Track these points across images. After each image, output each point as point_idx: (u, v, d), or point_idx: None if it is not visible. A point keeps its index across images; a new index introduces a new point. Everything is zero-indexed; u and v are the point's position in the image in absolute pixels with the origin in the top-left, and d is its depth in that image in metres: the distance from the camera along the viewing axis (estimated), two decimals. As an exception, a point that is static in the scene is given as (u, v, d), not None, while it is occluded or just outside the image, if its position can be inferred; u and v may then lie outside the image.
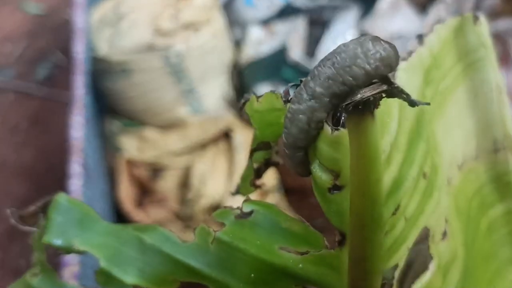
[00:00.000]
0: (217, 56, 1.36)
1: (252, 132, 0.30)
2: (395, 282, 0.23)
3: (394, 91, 0.18)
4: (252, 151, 0.31)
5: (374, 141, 0.19)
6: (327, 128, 0.18)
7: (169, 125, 1.42)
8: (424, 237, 0.25)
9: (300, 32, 1.34)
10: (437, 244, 0.26)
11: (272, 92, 0.24)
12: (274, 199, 1.35)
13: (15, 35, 2.10)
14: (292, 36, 1.32)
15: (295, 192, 1.63)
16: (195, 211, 1.29)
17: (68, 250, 0.27)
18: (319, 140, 0.19)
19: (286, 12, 1.40)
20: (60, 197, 0.29)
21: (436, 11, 1.34)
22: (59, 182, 1.58)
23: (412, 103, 0.18)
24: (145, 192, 1.47)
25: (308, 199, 1.61)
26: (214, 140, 1.39)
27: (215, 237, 0.23)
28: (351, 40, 0.18)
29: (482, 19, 0.32)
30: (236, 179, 1.32)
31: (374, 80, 0.18)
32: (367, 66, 0.17)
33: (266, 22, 1.41)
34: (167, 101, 1.37)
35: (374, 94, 0.18)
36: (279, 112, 0.24)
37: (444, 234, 0.27)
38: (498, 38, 1.59)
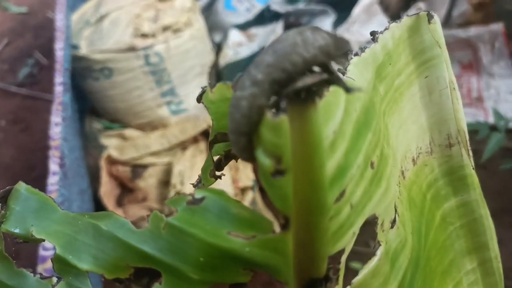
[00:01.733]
0: (197, 57, 1.36)
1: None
2: (341, 266, 0.23)
3: (332, 79, 0.18)
4: (211, 143, 0.31)
5: (316, 128, 0.20)
6: (269, 114, 0.19)
7: (150, 125, 1.41)
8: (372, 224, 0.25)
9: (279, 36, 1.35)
10: (386, 232, 0.27)
11: (224, 83, 0.24)
12: (250, 197, 1.35)
13: (-3, 35, 2.07)
14: (271, 39, 1.32)
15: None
16: (174, 210, 1.29)
17: (26, 238, 0.27)
18: (261, 125, 0.19)
19: (266, 16, 1.41)
20: (20, 186, 0.29)
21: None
22: (38, 180, 1.56)
23: (347, 90, 0.18)
24: (126, 191, 1.46)
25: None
26: (193, 140, 1.39)
27: (167, 223, 0.23)
28: (292, 30, 0.19)
29: (436, 18, 0.33)
30: (215, 178, 1.32)
31: (315, 69, 0.19)
32: (306, 54, 0.18)
33: (245, 25, 1.42)
34: (147, 101, 1.36)
35: (313, 81, 0.18)
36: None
37: (394, 222, 0.28)
38: (470, 44, 1.62)
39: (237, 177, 1.37)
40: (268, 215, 1.49)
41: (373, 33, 0.31)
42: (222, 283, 0.22)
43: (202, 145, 1.36)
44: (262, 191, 1.39)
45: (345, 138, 0.22)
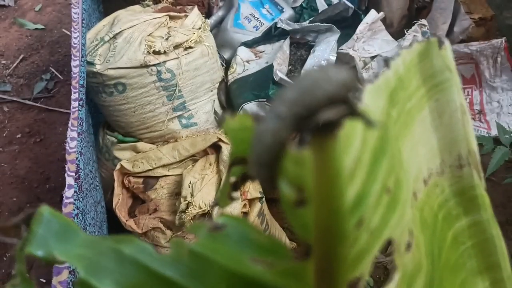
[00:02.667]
0: (207, 73, 1.37)
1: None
2: (360, 292, 0.23)
3: (354, 113, 0.18)
4: (230, 166, 0.31)
5: (336, 159, 0.20)
6: (292, 147, 0.19)
7: (161, 138, 1.42)
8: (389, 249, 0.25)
9: (286, 53, 1.36)
10: (401, 256, 0.27)
11: (245, 112, 0.24)
12: (258, 209, 1.35)
13: (12, 50, 2.10)
14: (278, 56, 1.33)
15: (278, 203, 1.63)
16: (184, 221, 1.29)
17: (49, 261, 0.27)
18: (284, 157, 0.19)
19: (273, 34, 1.41)
20: (43, 210, 0.29)
21: (413, 34, 1.37)
22: (53, 192, 1.56)
23: (370, 124, 0.18)
24: (137, 202, 1.46)
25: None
26: (203, 153, 1.39)
27: (189, 249, 0.23)
28: (315, 68, 0.19)
29: (447, 43, 0.33)
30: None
31: (335, 103, 0.19)
32: (328, 89, 0.18)
33: (253, 43, 1.43)
34: (159, 114, 1.37)
35: (335, 115, 0.18)
36: (251, 131, 0.24)
37: (409, 246, 0.27)
38: (472, 58, 1.62)
39: (244, 190, 1.36)
40: (276, 226, 1.48)
41: (386, 60, 0.31)
42: (243, 309, 0.22)
43: (212, 158, 1.36)
44: (271, 204, 1.38)
45: (363, 166, 0.22)
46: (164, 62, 1.30)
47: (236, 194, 0.32)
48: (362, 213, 0.22)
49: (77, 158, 0.96)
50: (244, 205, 1.33)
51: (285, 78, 1.26)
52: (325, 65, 0.18)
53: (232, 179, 0.32)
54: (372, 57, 1.38)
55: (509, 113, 1.52)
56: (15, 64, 1.98)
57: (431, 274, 0.31)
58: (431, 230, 0.34)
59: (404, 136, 0.32)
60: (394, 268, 0.26)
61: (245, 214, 1.37)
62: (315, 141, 0.19)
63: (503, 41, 1.50)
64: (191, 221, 1.30)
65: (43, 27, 2.15)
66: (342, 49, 1.35)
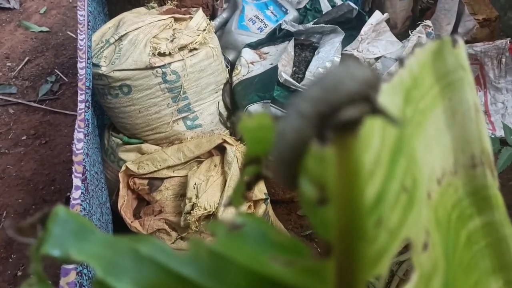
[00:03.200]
0: (212, 75, 1.37)
1: (244, 146, 0.30)
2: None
3: (377, 111, 0.18)
4: (244, 166, 0.31)
5: (357, 158, 0.20)
6: (314, 145, 0.18)
7: (166, 140, 1.42)
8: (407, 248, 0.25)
9: (291, 54, 1.36)
10: (418, 255, 0.26)
11: (263, 111, 0.24)
12: (263, 210, 1.34)
13: (17, 52, 2.10)
14: (282, 57, 1.33)
15: (285, 204, 1.63)
16: (189, 222, 1.29)
17: (66, 260, 0.27)
18: (306, 156, 0.19)
19: (277, 35, 1.41)
20: (59, 209, 0.29)
21: (417, 35, 1.37)
22: (58, 194, 1.56)
23: (393, 122, 0.18)
24: (142, 203, 1.46)
25: (296, 211, 1.61)
26: (209, 154, 1.39)
27: (208, 248, 0.22)
28: (337, 65, 0.19)
29: (461, 42, 0.33)
30: (230, 191, 1.31)
31: (358, 101, 0.19)
32: (351, 87, 0.18)
33: (258, 44, 1.43)
34: (164, 116, 1.37)
35: (357, 114, 0.18)
36: (268, 131, 0.24)
37: (425, 246, 0.27)
38: (476, 59, 1.62)
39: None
40: (280, 228, 1.48)
41: (401, 60, 0.31)
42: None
43: (217, 159, 1.36)
44: (277, 205, 1.38)
45: (382, 165, 0.22)
46: (169, 64, 1.30)
47: (250, 193, 0.32)
48: (381, 212, 0.22)
49: (83, 159, 0.96)
50: (249, 206, 1.33)
51: (290, 79, 1.26)
52: (348, 63, 0.18)
53: (245, 178, 0.32)
54: (377, 58, 1.38)
55: (514, 114, 1.52)
56: (20, 67, 1.99)
57: (446, 275, 0.31)
58: (445, 230, 0.34)
59: (418, 135, 0.32)
60: (412, 267, 0.25)
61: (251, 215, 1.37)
62: (337, 139, 0.19)
63: (508, 41, 1.50)
64: (196, 222, 1.30)
65: (48, 29, 2.15)
66: (346, 50, 1.35)
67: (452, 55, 0.33)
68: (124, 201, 1.43)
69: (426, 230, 0.28)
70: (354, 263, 0.21)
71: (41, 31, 2.15)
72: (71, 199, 0.87)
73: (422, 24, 1.39)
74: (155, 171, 1.42)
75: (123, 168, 1.39)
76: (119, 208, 1.40)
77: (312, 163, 0.19)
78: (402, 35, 1.56)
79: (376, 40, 1.34)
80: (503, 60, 1.58)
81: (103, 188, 1.33)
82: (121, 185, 1.41)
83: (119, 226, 1.34)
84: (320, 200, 0.19)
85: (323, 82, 0.18)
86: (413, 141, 0.30)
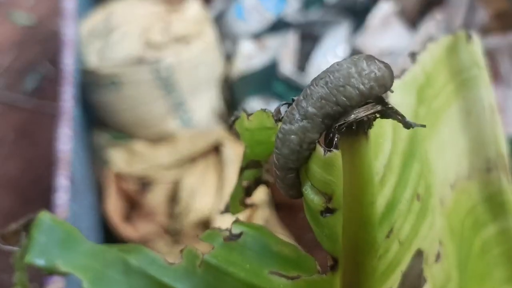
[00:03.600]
0: (208, 70, 1.36)
1: (242, 146, 0.29)
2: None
3: (389, 112, 0.18)
4: (242, 170, 0.30)
5: (368, 163, 0.19)
6: (320, 149, 0.18)
7: (159, 138, 1.41)
8: (418, 260, 0.24)
9: (291, 47, 1.35)
10: (430, 267, 0.26)
11: (263, 110, 0.23)
12: (264, 214, 1.34)
13: (4, 46, 2.09)
14: (283, 50, 1.32)
15: (285, 207, 1.62)
16: (183, 226, 1.28)
17: (51, 271, 0.26)
18: (311, 161, 0.18)
19: (277, 27, 1.40)
20: (44, 216, 0.28)
21: (426, 27, 1.36)
22: (45, 195, 1.55)
23: (407, 125, 0.17)
24: (134, 206, 1.45)
25: (298, 215, 1.60)
26: (203, 154, 1.38)
27: (203, 260, 0.22)
28: (345, 59, 0.18)
29: (475, 37, 0.32)
30: (226, 193, 1.31)
31: (368, 100, 0.18)
32: (361, 86, 0.17)
33: (257, 36, 1.42)
34: (157, 114, 1.36)
35: (368, 114, 0.18)
36: (270, 131, 0.24)
37: (438, 256, 0.27)
38: (488, 54, 1.61)
39: (248, 192, 1.35)
40: (281, 232, 1.47)
41: (412, 55, 0.30)
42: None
43: (212, 159, 1.36)
44: (278, 209, 1.37)
45: (393, 171, 0.22)
46: (163, 58, 1.29)
47: (249, 200, 0.31)
48: (393, 222, 0.21)
49: (72, 158, 0.95)
50: (251, 211, 1.32)
51: (291, 74, 1.25)
52: (357, 57, 0.18)
53: (244, 183, 0.32)
54: (384, 52, 1.38)
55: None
56: (5, 61, 1.98)
57: (459, 285, 0.31)
58: (458, 239, 0.33)
59: (431, 137, 0.31)
60: (424, 279, 0.25)
61: (249, 218, 1.36)
62: (346, 143, 0.18)
63: (522, 36, 1.49)
64: (190, 224, 1.29)
65: (35, 23, 2.14)
66: (350, 42, 1.34)
67: (467, 52, 0.32)
68: (113, 202, 1.42)
69: (439, 240, 0.27)
70: (363, 277, 0.20)
71: (28, 25, 2.13)
72: (59, 200, 0.86)
73: (431, 16, 1.39)
74: (146, 170, 1.41)
75: (113, 167, 1.38)
76: (107, 209, 1.39)
77: (318, 170, 0.18)
78: (410, 27, 1.55)
79: (382, 33, 1.34)
80: (516, 54, 1.58)
81: (92, 189, 1.33)
82: (110, 186, 1.40)
83: (109, 228, 1.33)
84: (326, 210, 0.19)
85: (330, 80, 0.17)
86: (426, 143, 0.30)
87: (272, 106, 1.30)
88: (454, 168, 0.35)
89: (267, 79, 1.32)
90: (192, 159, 1.37)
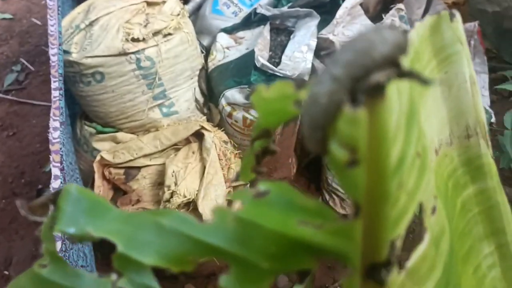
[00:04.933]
0: (187, 61, 1.36)
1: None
2: (398, 251, 0.24)
3: (407, 73, 0.19)
4: (254, 140, 0.31)
5: (385, 120, 0.21)
6: (347, 108, 0.19)
7: (142, 128, 1.40)
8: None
9: (267, 38, 1.36)
10: (429, 218, 0.28)
11: (285, 80, 0.24)
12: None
13: (-21, 41, 2.02)
14: (259, 42, 1.33)
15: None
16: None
17: (82, 238, 0.27)
18: (338, 119, 0.19)
19: (252, 20, 1.41)
20: (70, 187, 0.28)
21: (390, 17, 1.39)
22: (28, 186, 1.52)
23: (426, 82, 0.19)
24: (119, 193, 1.44)
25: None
26: (186, 142, 1.38)
27: (235, 215, 0.23)
28: (368, 29, 0.19)
29: (458, 16, 0.34)
30: (209, 177, 1.31)
31: (388, 64, 0.20)
32: (384, 51, 0.19)
33: (233, 29, 1.42)
34: (139, 104, 1.35)
35: (389, 76, 0.19)
36: (287, 100, 0.25)
37: (434, 210, 0.29)
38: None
39: (229, 177, 1.37)
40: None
41: (404, 32, 0.32)
42: (290, 271, 0.23)
43: (195, 146, 1.36)
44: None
45: (401, 130, 0.23)
46: (143, 49, 1.28)
47: (261, 168, 0.33)
48: (402, 175, 0.23)
49: (60, 148, 0.94)
50: (229, 192, 1.33)
51: (267, 64, 1.26)
52: (380, 26, 0.19)
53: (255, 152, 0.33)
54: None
55: (483, 95, 1.58)
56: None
57: (451, 238, 0.33)
58: (443, 198, 0.36)
59: (420, 107, 0.33)
60: (424, 229, 0.27)
61: (230, 201, 1.38)
62: (368, 102, 0.19)
63: (476, 24, 1.55)
64: (175, 208, 1.30)
65: (11, 16, 2.07)
66: (322, 34, 1.36)
67: (450, 29, 0.34)
68: (100, 191, 1.41)
69: (434, 195, 0.29)
70: (379, 224, 0.22)
71: (4, 18, 2.06)
72: (51, 190, 0.85)
73: (394, 7, 1.42)
74: (131, 160, 1.40)
75: (98, 158, 1.37)
76: (95, 198, 1.37)
77: (344, 126, 0.19)
78: (375, 19, 1.59)
79: (351, 24, 1.36)
80: (472, 42, 1.63)
81: (78, 179, 1.31)
82: (96, 175, 1.38)
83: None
84: (351, 162, 0.20)
85: (355, 46, 0.19)
86: (420, 110, 0.32)
87: (249, 95, 1.31)
88: (438, 135, 0.37)
89: (244, 69, 1.33)
90: (175, 147, 1.37)
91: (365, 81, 0.19)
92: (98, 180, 1.40)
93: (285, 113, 0.26)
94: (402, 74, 0.19)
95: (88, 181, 1.41)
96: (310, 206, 0.22)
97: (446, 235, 0.30)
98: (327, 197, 1.52)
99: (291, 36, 1.38)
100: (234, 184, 1.35)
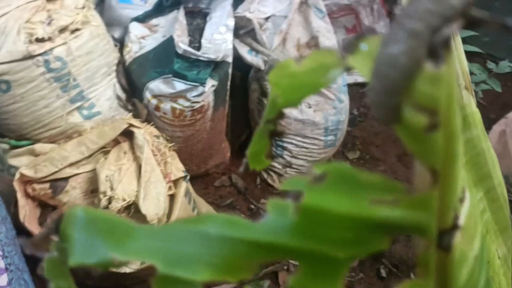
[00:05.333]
0: (101, 57, 1.26)
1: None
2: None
3: (483, 20, 0.18)
4: (268, 122, 0.28)
5: (454, 74, 0.19)
6: (427, 65, 0.17)
7: (63, 135, 1.28)
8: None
9: (183, 23, 1.30)
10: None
11: (322, 49, 0.22)
12: (187, 187, 1.31)
13: None
14: (176, 27, 1.27)
15: (200, 178, 1.61)
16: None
17: (107, 266, 0.22)
18: (418, 79, 0.17)
19: (165, 5, 1.34)
20: (74, 211, 0.23)
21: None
22: None
23: (505, 26, 0.18)
24: (48, 209, 1.32)
25: (213, 184, 1.60)
26: (114, 143, 1.29)
27: (298, 206, 0.20)
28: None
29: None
30: (146, 176, 1.24)
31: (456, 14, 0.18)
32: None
33: (145, 17, 1.34)
34: (55, 109, 1.23)
35: (459, 26, 0.17)
36: (323, 70, 0.22)
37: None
38: (352, 9, 1.72)
39: (167, 171, 1.31)
40: (202, 203, 1.45)
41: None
42: (365, 255, 0.21)
43: (125, 146, 1.28)
44: (194, 180, 1.34)
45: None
46: (51, 49, 1.16)
47: (272, 152, 0.30)
48: (461, 139, 0.22)
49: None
50: (170, 188, 1.28)
51: (189, 49, 1.21)
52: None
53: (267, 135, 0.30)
54: (267, 18, 1.39)
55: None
56: None
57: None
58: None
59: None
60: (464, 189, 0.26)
61: (172, 196, 1.32)
62: (446, 56, 0.18)
63: (376, -11, 1.62)
64: (115, 212, 1.22)
65: None
66: (238, 13, 1.34)
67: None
68: (25, 211, 1.27)
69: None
70: (450, 188, 0.20)
71: None
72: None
73: (303, -20, 1.43)
74: (56, 171, 1.28)
75: (17, 175, 1.23)
76: (21, 220, 1.24)
77: (425, 86, 0.17)
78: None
79: (266, 0, 1.35)
80: (375, 7, 1.71)
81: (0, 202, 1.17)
82: (18, 195, 1.25)
83: (28, 236, 1.19)
84: (431, 126, 0.18)
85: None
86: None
87: (175, 85, 1.25)
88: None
89: (164, 58, 1.26)
90: (104, 150, 1.27)
91: (441, 33, 0.17)
92: (21, 200, 1.26)
93: (314, 86, 0.23)
94: (479, 21, 0.17)
95: (10, 202, 1.27)
96: (376, 182, 0.20)
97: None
98: (265, 175, 1.53)
99: (207, 18, 1.34)
100: (174, 178, 1.29)
